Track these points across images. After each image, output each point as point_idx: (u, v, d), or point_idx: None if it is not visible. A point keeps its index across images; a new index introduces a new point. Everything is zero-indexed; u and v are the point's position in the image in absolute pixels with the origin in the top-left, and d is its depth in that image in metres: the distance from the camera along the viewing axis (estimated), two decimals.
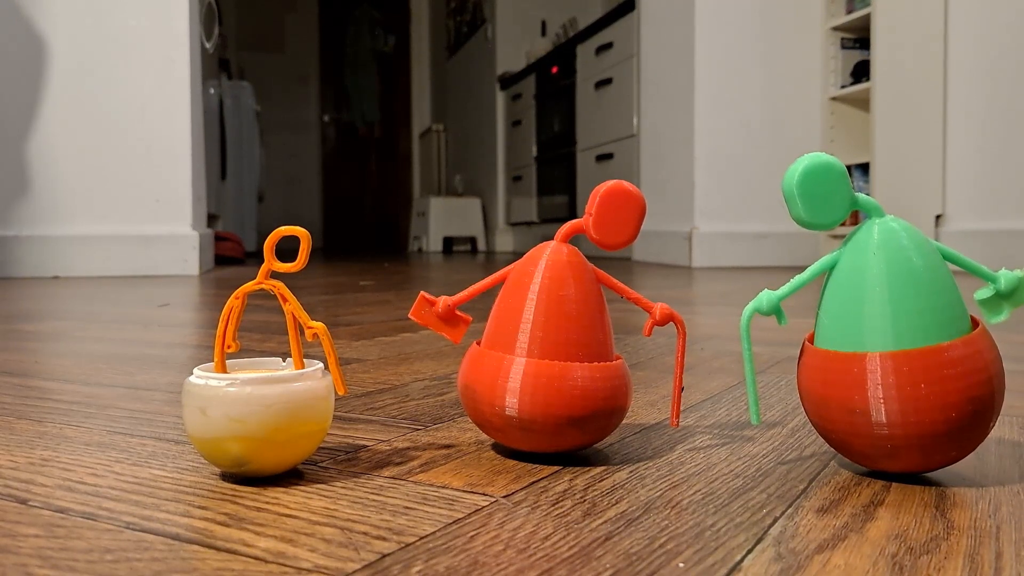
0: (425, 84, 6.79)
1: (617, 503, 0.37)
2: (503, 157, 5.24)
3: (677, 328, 0.46)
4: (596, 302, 0.44)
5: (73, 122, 2.35)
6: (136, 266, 2.35)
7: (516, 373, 0.42)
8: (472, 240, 5.45)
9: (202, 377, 0.39)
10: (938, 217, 2.57)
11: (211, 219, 3.16)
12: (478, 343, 0.46)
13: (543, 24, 5.10)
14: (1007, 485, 0.40)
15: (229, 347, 0.40)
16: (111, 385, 0.66)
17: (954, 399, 0.38)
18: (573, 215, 4.09)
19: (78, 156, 2.35)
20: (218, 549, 0.31)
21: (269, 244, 0.40)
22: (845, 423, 0.39)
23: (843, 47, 2.81)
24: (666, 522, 0.34)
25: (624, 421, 0.52)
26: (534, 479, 0.40)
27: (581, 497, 0.38)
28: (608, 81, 3.74)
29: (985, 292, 0.42)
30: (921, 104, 2.53)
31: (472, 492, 0.38)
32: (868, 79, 2.62)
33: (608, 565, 0.30)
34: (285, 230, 0.39)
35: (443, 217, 5.34)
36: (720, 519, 0.35)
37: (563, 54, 4.30)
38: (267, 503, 0.36)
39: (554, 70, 4.41)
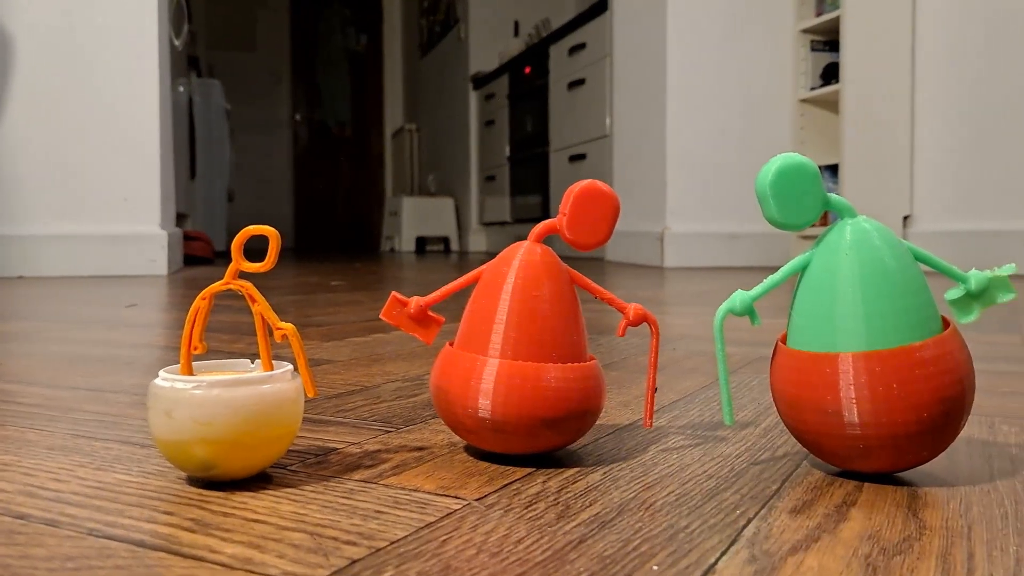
0: (397, 83, 6.76)
1: (591, 505, 0.36)
2: (476, 157, 5.23)
3: (651, 328, 0.46)
4: (570, 302, 0.44)
5: (39, 120, 2.31)
6: (103, 266, 2.31)
7: (489, 374, 0.42)
8: (445, 240, 5.44)
9: (168, 379, 0.38)
10: (906, 218, 2.60)
11: (180, 218, 3.13)
12: (451, 344, 0.45)
13: (516, 24, 5.10)
14: (978, 485, 0.40)
15: (195, 348, 0.40)
16: (75, 387, 0.65)
17: (926, 399, 0.38)
18: (546, 215, 4.10)
19: (44, 154, 2.31)
20: (184, 556, 0.30)
21: (237, 243, 0.39)
22: (818, 423, 0.39)
23: (813, 49, 2.84)
24: (640, 524, 0.34)
25: (598, 422, 0.52)
26: (507, 481, 0.40)
27: (555, 499, 0.37)
28: (581, 82, 3.75)
29: (956, 292, 0.42)
30: (889, 106, 2.56)
31: (444, 495, 0.38)
32: (837, 81, 2.64)
33: (582, 568, 0.29)
34: (253, 229, 0.39)
35: (416, 217, 5.32)
36: (694, 520, 0.35)
37: (536, 54, 4.30)
38: (234, 508, 0.36)
39: (527, 70, 4.41)
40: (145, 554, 0.30)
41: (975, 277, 0.42)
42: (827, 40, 2.83)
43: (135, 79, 2.35)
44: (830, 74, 2.76)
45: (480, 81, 5.09)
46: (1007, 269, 0.41)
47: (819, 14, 2.76)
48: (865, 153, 2.56)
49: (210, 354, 0.81)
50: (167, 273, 2.34)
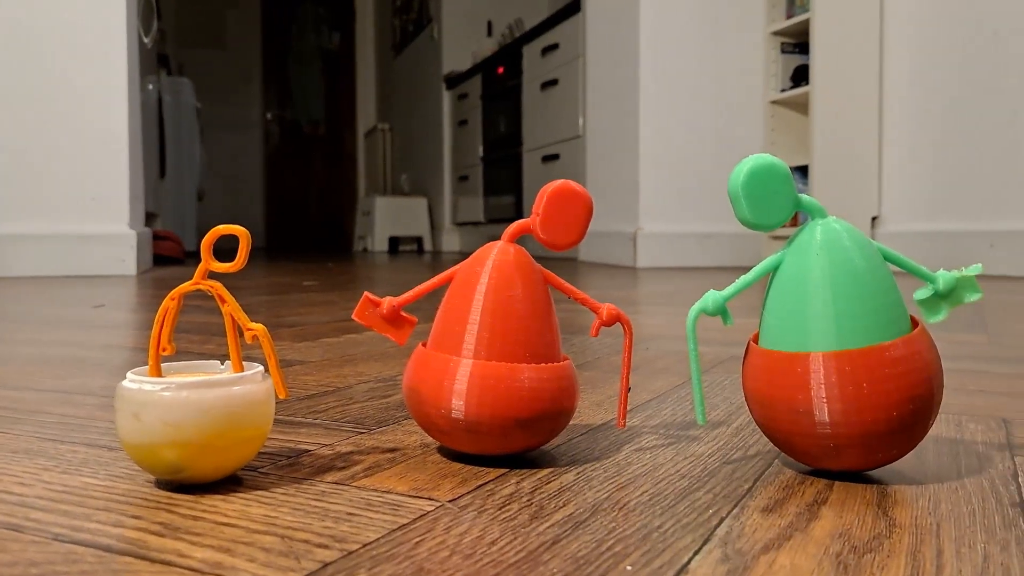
0: (370, 82, 6.73)
1: (564, 506, 0.36)
2: (449, 157, 5.22)
3: (624, 328, 0.46)
4: (543, 303, 0.44)
5: (5, 118, 2.27)
6: (71, 266, 2.28)
7: (463, 375, 0.42)
8: (418, 240, 5.42)
9: (135, 381, 0.38)
10: (874, 219, 2.63)
11: (149, 218, 3.09)
12: (424, 344, 0.45)
13: (489, 24, 5.09)
14: (945, 482, 0.40)
15: (164, 350, 0.39)
16: (41, 389, 0.64)
17: (895, 398, 0.38)
18: (520, 215, 4.10)
19: (11, 152, 2.27)
20: (152, 560, 0.30)
21: (206, 243, 0.39)
22: (789, 422, 0.40)
23: (783, 51, 2.86)
24: (613, 524, 0.34)
25: (571, 422, 0.52)
26: (481, 482, 0.40)
27: (528, 500, 0.37)
28: (554, 82, 3.75)
29: (924, 292, 0.43)
30: (858, 108, 2.59)
31: (417, 497, 0.37)
32: (807, 83, 2.67)
33: (556, 569, 0.29)
34: (223, 229, 0.38)
35: (389, 217, 5.30)
36: (667, 520, 0.35)
37: (509, 54, 4.30)
38: (204, 511, 0.35)
39: (500, 70, 4.41)
40: (112, 559, 0.30)
41: (943, 277, 0.42)
42: (797, 42, 2.85)
43: (103, 77, 2.32)
44: (800, 76, 2.78)
45: (453, 81, 5.08)
46: (974, 269, 0.42)
47: (789, 16, 2.79)
48: (834, 154, 2.59)
49: (179, 355, 0.80)
50: (136, 273, 2.31)
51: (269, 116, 6.86)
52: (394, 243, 5.37)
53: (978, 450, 0.46)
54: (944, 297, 0.43)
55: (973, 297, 0.42)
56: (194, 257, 3.43)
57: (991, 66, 2.33)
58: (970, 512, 0.36)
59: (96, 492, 0.38)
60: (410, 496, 0.37)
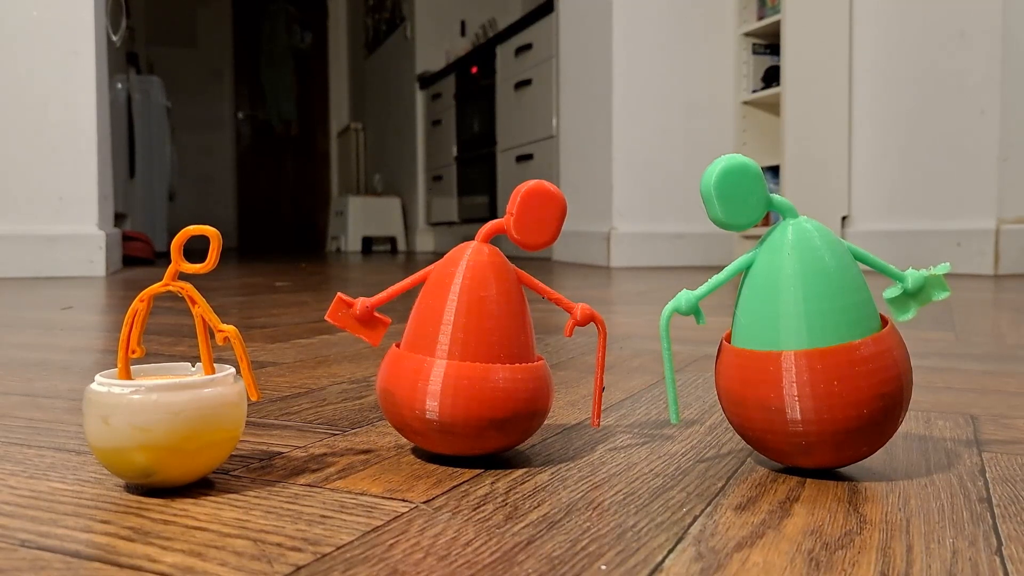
0: (343, 82, 6.70)
1: (539, 506, 0.36)
2: (423, 157, 5.21)
3: (598, 328, 0.46)
4: (517, 303, 0.44)
5: None
6: (38, 267, 2.25)
7: (436, 375, 0.41)
8: (392, 240, 5.40)
9: (104, 384, 0.37)
10: (844, 218, 2.66)
11: (119, 218, 3.05)
12: (397, 345, 0.45)
13: (462, 24, 5.09)
14: (915, 479, 0.41)
15: (134, 352, 0.38)
16: (7, 393, 0.62)
17: (865, 395, 0.38)
18: (494, 215, 4.10)
19: None
20: (121, 566, 0.29)
21: (176, 244, 0.38)
22: (761, 421, 0.40)
23: (755, 52, 2.89)
24: (588, 524, 0.34)
25: (546, 422, 0.52)
26: (455, 483, 0.40)
27: (503, 501, 0.37)
28: (528, 82, 3.75)
29: (893, 291, 0.43)
30: (828, 109, 2.62)
31: (391, 498, 0.37)
32: (778, 84, 2.69)
33: (530, 570, 0.29)
34: (193, 229, 0.38)
35: (362, 217, 5.28)
36: (641, 519, 0.35)
37: (483, 54, 4.30)
38: (175, 515, 0.35)
39: (474, 70, 4.41)
40: (81, 565, 0.29)
41: (912, 276, 0.43)
42: (768, 44, 2.88)
43: (71, 75, 2.28)
44: (771, 77, 2.81)
45: (427, 80, 5.07)
46: (942, 268, 0.42)
47: (760, 18, 2.81)
48: (805, 155, 2.62)
49: (149, 357, 0.79)
50: (105, 274, 2.28)
51: (240, 116, 6.80)
52: (367, 243, 5.35)
53: (946, 446, 0.47)
54: (913, 296, 0.43)
55: (941, 295, 0.43)
56: (164, 258, 3.40)
57: (958, 66, 2.37)
58: (939, 508, 0.36)
59: (64, 497, 0.37)
60: (384, 498, 0.37)
